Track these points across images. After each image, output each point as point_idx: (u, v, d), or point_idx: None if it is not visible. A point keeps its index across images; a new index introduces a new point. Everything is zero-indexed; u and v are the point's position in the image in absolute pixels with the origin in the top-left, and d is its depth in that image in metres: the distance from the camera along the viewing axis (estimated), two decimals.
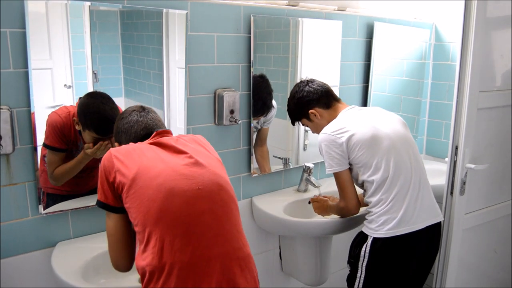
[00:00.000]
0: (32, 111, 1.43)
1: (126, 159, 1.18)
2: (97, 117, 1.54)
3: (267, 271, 2.21)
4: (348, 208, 1.70)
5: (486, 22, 1.79)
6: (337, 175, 1.69)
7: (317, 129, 1.79)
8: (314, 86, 1.80)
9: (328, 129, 1.68)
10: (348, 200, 1.69)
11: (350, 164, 1.68)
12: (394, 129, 1.68)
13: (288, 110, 1.89)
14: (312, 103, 1.78)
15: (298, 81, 1.96)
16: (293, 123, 1.92)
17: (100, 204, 1.21)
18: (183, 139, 1.30)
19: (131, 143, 1.28)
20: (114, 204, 1.19)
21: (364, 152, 1.62)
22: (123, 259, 1.23)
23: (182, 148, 1.24)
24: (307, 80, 1.84)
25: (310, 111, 1.78)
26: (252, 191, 2.09)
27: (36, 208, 1.52)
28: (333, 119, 1.73)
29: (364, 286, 1.65)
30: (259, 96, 2.01)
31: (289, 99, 1.87)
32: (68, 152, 1.56)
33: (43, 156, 1.50)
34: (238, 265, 1.17)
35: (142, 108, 1.38)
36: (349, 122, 1.67)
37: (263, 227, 2.07)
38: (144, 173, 1.15)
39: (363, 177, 1.65)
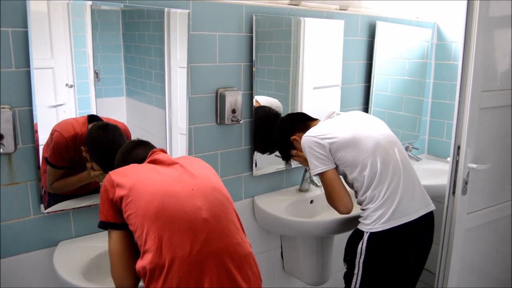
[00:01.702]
0: (35, 122, 1.44)
1: (124, 174, 1.24)
2: (105, 157, 1.55)
3: (268, 270, 2.20)
4: (340, 210, 1.69)
5: (488, 21, 1.78)
6: (323, 176, 1.69)
7: (304, 160, 1.81)
8: (285, 117, 1.96)
9: (311, 132, 1.71)
10: (339, 200, 1.67)
11: (336, 165, 1.69)
12: (377, 129, 1.73)
13: (277, 148, 2.01)
14: (290, 130, 1.87)
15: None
16: (286, 159, 2.01)
17: (102, 224, 1.24)
18: (177, 158, 1.38)
19: (130, 165, 1.33)
20: (115, 220, 1.22)
21: (348, 151, 1.64)
22: (127, 279, 1.21)
23: (174, 160, 1.32)
24: (281, 117, 2.00)
25: (292, 138, 1.85)
26: (254, 191, 2.08)
27: (37, 208, 1.52)
28: None
29: (361, 282, 1.65)
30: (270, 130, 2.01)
31: (273, 139, 1.98)
32: (70, 168, 1.57)
33: (44, 157, 1.49)
34: (237, 261, 1.18)
35: (140, 142, 1.46)
36: (330, 128, 1.71)
37: (265, 226, 2.07)
38: (140, 182, 1.20)
39: (351, 175, 1.66)
